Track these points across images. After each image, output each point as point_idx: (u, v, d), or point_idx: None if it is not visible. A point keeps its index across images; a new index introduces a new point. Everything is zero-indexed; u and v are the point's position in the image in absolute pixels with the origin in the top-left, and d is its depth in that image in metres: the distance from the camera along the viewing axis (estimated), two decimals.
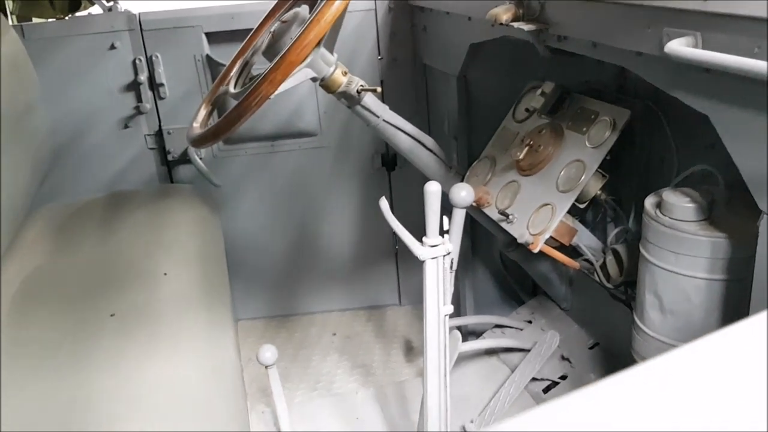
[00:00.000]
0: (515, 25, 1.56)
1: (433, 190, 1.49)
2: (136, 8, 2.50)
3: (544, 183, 1.68)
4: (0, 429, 1.22)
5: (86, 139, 2.56)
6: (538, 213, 1.65)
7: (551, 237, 1.63)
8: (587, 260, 1.72)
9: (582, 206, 1.65)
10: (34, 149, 2.20)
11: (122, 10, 2.49)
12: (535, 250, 1.62)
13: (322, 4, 1.46)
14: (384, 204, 1.64)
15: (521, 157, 1.74)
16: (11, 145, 2.00)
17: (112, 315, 1.59)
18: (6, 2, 2.49)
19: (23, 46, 2.27)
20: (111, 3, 2.49)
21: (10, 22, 2.43)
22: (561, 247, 1.69)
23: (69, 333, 1.57)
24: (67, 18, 2.52)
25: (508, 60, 2.05)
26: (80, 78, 2.47)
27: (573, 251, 1.76)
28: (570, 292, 2.17)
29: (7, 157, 1.95)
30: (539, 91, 1.79)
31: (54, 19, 2.50)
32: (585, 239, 1.72)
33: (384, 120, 1.88)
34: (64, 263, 1.96)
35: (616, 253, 1.64)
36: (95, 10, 2.53)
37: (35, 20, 2.51)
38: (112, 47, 2.45)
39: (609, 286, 1.67)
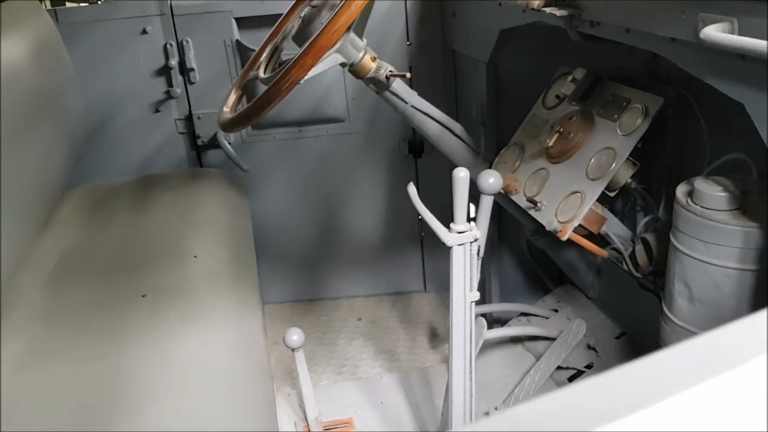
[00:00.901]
0: (547, 10, 1.55)
1: (461, 176, 1.49)
2: None
3: (574, 170, 1.67)
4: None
5: (118, 122, 2.60)
6: (567, 200, 1.64)
7: (580, 225, 1.62)
8: (616, 249, 1.71)
9: (612, 194, 1.63)
10: (69, 131, 2.24)
11: None
12: (564, 238, 1.61)
13: None
14: (412, 189, 1.64)
15: (551, 144, 1.73)
16: (46, 126, 2.04)
17: (143, 296, 1.62)
18: None
19: (57, 30, 2.30)
20: None
21: (45, 6, 2.46)
22: (589, 236, 1.68)
23: (102, 311, 1.61)
24: (99, 2, 2.54)
25: (538, 46, 2.04)
26: (112, 62, 2.51)
27: (601, 240, 1.75)
28: (597, 281, 2.16)
29: (42, 138, 1.99)
30: (570, 77, 1.78)
31: (87, 4, 2.53)
32: (614, 228, 1.70)
33: (412, 106, 1.88)
34: (97, 242, 2.01)
35: (645, 242, 1.62)
36: None
37: (69, 4, 2.55)
38: (144, 32, 2.47)
39: (638, 275, 1.66)
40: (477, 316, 2.09)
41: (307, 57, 1.46)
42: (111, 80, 2.53)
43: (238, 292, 1.78)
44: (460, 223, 1.53)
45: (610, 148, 1.60)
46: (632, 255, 1.66)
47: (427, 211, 1.58)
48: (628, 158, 1.58)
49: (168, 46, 2.50)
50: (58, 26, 2.35)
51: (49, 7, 2.50)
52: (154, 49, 2.51)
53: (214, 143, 2.64)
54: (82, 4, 2.53)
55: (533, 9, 1.57)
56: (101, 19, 2.47)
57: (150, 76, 2.54)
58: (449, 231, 1.54)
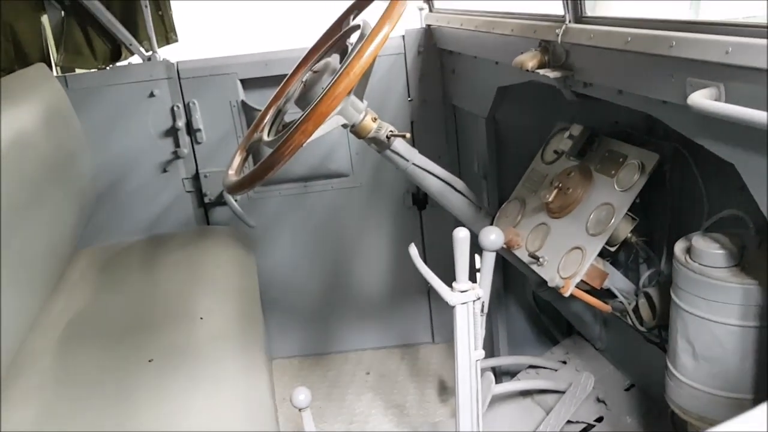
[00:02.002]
0: (541, 72, 1.59)
1: (461, 236, 1.51)
2: (174, 57, 2.60)
3: (574, 226, 1.68)
4: None
5: (127, 183, 2.65)
6: (569, 256, 1.65)
7: (582, 280, 1.62)
8: (620, 302, 1.71)
9: (612, 249, 1.64)
10: (79, 193, 2.29)
11: (161, 59, 2.59)
12: (566, 294, 1.62)
13: (352, 56, 1.51)
14: (413, 250, 1.66)
15: (550, 199, 1.75)
16: (57, 190, 2.09)
17: (150, 360, 1.63)
18: (51, 54, 2.60)
19: (66, 96, 2.37)
20: (150, 53, 2.59)
21: (55, 73, 2.54)
22: (593, 289, 1.69)
23: (110, 376, 1.62)
24: (108, 68, 2.62)
25: (536, 102, 2.07)
26: (121, 125, 2.57)
27: (606, 292, 1.75)
28: (605, 332, 2.15)
29: (53, 202, 2.04)
30: (567, 133, 1.81)
31: (96, 70, 2.60)
32: (617, 282, 1.71)
33: (414, 164, 1.90)
34: (106, 305, 2.03)
35: (648, 296, 1.62)
36: (135, 59, 2.63)
37: (78, 71, 2.62)
38: (152, 95, 2.54)
39: (642, 329, 1.65)
40: (485, 370, 2.09)
41: (308, 123, 1.50)
42: (120, 142, 2.59)
43: (245, 352, 1.78)
44: (462, 282, 1.54)
45: (608, 203, 1.61)
46: (636, 309, 1.66)
47: (429, 271, 1.60)
48: (627, 213, 1.59)
49: (175, 108, 2.56)
50: (68, 92, 2.42)
51: (59, 73, 2.57)
52: (162, 111, 2.57)
53: (221, 201, 2.68)
54: (91, 70, 2.60)
55: (528, 70, 1.61)
56: (110, 84, 2.53)
57: (158, 137, 2.60)
58: (452, 290, 1.54)
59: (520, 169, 2.07)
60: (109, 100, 2.55)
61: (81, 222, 2.28)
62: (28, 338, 1.77)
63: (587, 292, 1.68)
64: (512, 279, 2.44)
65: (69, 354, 1.74)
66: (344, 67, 1.50)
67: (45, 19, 2.55)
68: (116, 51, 2.64)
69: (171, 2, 2.66)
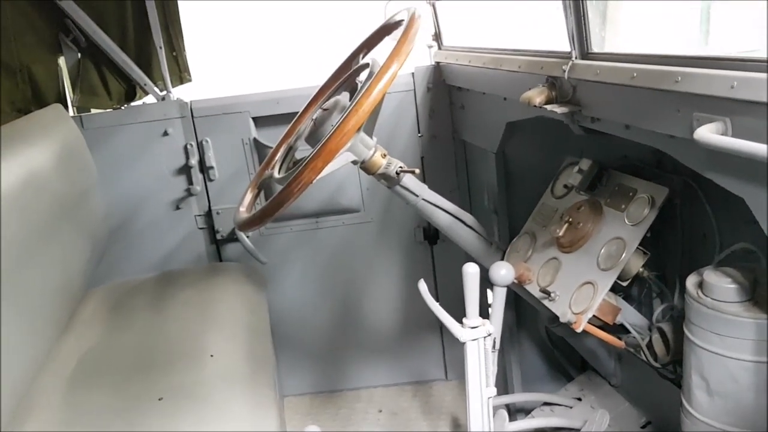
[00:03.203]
0: (548, 107, 1.60)
1: (471, 271, 1.51)
2: (187, 96, 2.64)
3: (585, 260, 1.67)
4: None
5: (140, 220, 2.67)
6: (580, 291, 1.64)
7: (594, 315, 1.61)
8: (634, 338, 1.69)
9: (624, 284, 1.63)
10: (91, 232, 2.31)
11: (175, 98, 2.63)
12: (578, 330, 1.60)
13: (361, 93, 1.52)
14: (422, 286, 1.65)
15: (561, 233, 1.75)
16: (69, 229, 2.10)
17: (160, 399, 1.63)
18: (67, 94, 2.66)
19: (82, 136, 2.41)
20: (164, 92, 2.64)
21: (71, 113, 2.59)
22: (606, 325, 1.67)
23: (119, 416, 1.62)
24: (123, 108, 2.66)
25: (545, 136, 2.08)
26: (135, 163, 2.60)
27: (619, 327, 1.73)
28: (620, 368, 2.12)
29: (65, 240, 2.05)
30: (576, 167, 1.81)
31: (111, 109, 2.65)
32: (630, 317, 1.69)
33: (423, 199, 1.90)
34: (117, 343, 2.03)
35: (661, 331, 1.61)
36: (150, 99, 2.68)
37: (94, 111, 2.67)
38: (165, 134, 2.58)
39: (656, 365, 1.63)
40: (498, 407, 2.06)
41: (318, 160, 1.51)
42: (133, 180, 2.62)
43: (255, 390, 1.77)
44: (472, 318, 1.53)
45: (619, 238, 1.61)
46: (650, 344, 1.64)
47: (439, 307, 1.59)
48: (638, 247, 1.58)
49: (188, 146, 2.59)
50: (84, 132, 2.46)
51: (75, 114, 2.61)
52: (175, 150, 2.60)
53: (233, 237, 2.70)
54: (106, 110, 2.64)
55: (535, 106, 1.63)
56: (125, 123, 2.58)
57: (171, 175, 2.63)
58: (462, 326, 1.53)
59: (530, 203, 2.07)
60: (123, 139, 2.59)
61: (93, 260, 2.29)
62: (39, 377, 1.77)
63: (600, 327, 1.66)
64: (525, 314, 2.42)
65: (79, 393, 1.74)
66: (353, 104, 1.52)
67: (62, 60, 2.60)
68: (131, 91, 2.69)
69: (184, 43, 2.71)
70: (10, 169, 1.83)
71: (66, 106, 2.59)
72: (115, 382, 1.76)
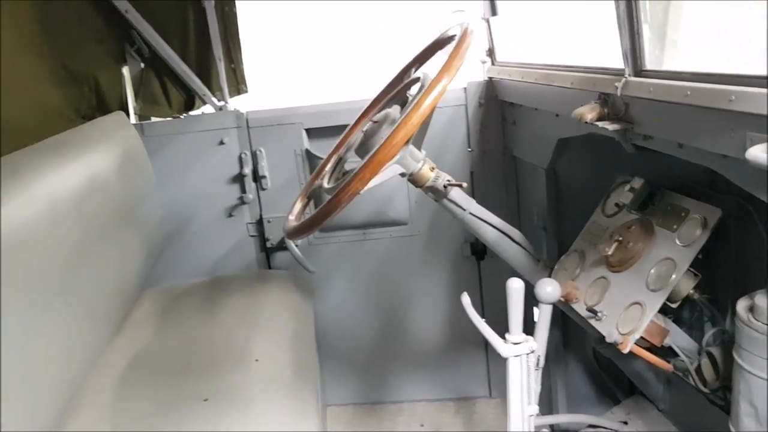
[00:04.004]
0: (600, 124, 1.59)
1: (515, 287, 1.50)
2: (243, 107, 2.71)
3: (634, 280, 1.64)
4: None
5: (194, 226, 2.75)
6: (628, 311, 1.61)
7: (642, 337, 1.58)
8: (682, 361, 1.64)
9: (674, 306, 1.59)
10: (147, 236, 2.38)
11: (232, 109, 2.71)
12: (625, 351, 1.57)
13: (411, 107, 1.54)
14: (466, 299, 1.65)
15: (610, 252, 1.72)
16: (126, 232, 2.18)
17: (205, 400, 1.67)
18: (130, 102, 2.76)
19: (142, 142, 2.50)
20: (222, 103, 2.72)
21: (132, 121, 2.68)
22: (654, 347, 1.63)
23: (166, 414, 1.66)
24: (182, 116, 2.75)
25: (597, 153, 2.06)
26: (191, 170, 2.68)
27: (668, 350, 1.69)
28: (668, 393, 2.06)
29: (122, 243, 2.13)
30: (628, 186, 1.78)
31: (171, 118, 2.74)
32: (678, 340, 1.65)
33: (470, 213, 1.90)
34: (167, 344, 2.09)
35: (711, 355, 1.56)
36: (207, 109, 2.76)
37: (154, 119, 2.76)
38: (221, 143, 2.65)
39: (705, 390, 1.58)
40: (542, 428, 2.03)
41: (366, 171, 1.53)
42: (189, 187, 2.69)
43: (298, 397, 1.80)
44: (515, 333, 1.52)
45: (670, 258, 1.57)
46: (698, 369, 1.60)
47: (482, 321, 1.58)
48: (689, 269, 1.55)
49: (243, 156, 2.66)
50: (144, 139, 2.55)
51: (136, 121, 2.71)
52: (230, 158, 2.67)
53: (282, 246, 2.74)
54: (166, 119, 2.74)
55: (587, 122, 1.61)
56: (183, 132, 2.66)
57: (225, 183, 2.70)
58: (505, 341, 1.52)
59: (580, 221, 2.05)
60: (181, 147, 2.67)
61: (148, 263, 2.37)
62: (92, 374, 1.83)
63: (647, 349, 1.62)
64: (572, 334, 2.38)
65: (128, 390, 1.79)
66: (402, 117, 1.54)
67: (126, 70, 2.71)
68: (190, 101, 2.78)
69: (242, 55, 2.79)
70: (73, 172, 1.91)
71: (128, 114, 2.68)
72: (163, 382, 1.81)
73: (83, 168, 2.00)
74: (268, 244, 2.76)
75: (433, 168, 1.82)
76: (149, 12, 2.58)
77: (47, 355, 1.53)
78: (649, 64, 1.54)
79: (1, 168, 1.62)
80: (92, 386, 1.81)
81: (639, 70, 1.52)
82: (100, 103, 2.54)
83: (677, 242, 1.58)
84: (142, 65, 2.71)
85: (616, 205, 1.87)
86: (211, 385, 1.75)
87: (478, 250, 2.75)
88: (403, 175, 1.80)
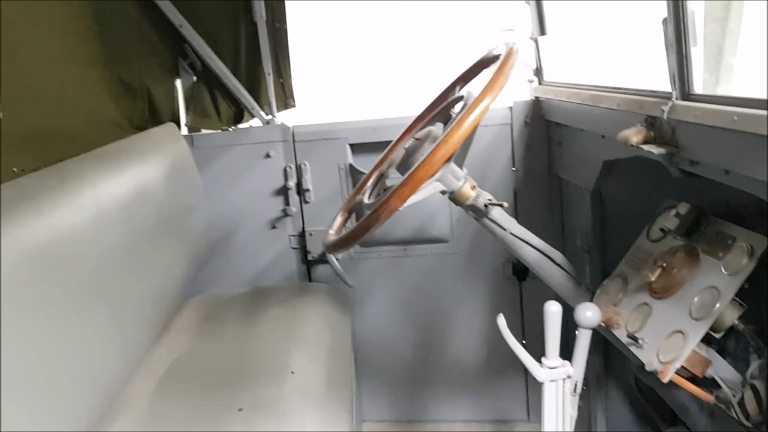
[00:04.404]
0: (645, 147, 1.56)
1: (553, 310, 1.48)
2: (290, 121, 2.76)
3: (677, 308, 1.60)
4: None
5: (238, 236, 2.80)
6: (670, 339, 1.57)
7: (683, 366, 1.53)
8: (725, 393, 1.59)
9: (718, 335, 1.54)
10: (192, 245, 2.43)
11: (279, 123, 2.76)
12: (665, 380, 1.53)
13: (452, 125, 1.54)
14: (501, 321, 1.63)
15: (653, 279, 1.68)
16: (172, 240, 2.23)
17: (240, 410, 1.68)
18: (181, 114, 2.84)
19: (191, 154, 2.56)
20: (270, 117, 2.77)
21: (183, 133, 2.75)
22: (695, 377, 1.58)
23: (201, 422, 1.69)
24: (230, 129, 2.81)
25: (643, 177, 2.02)
26: (237, 182, 2.73)
27: (710, 381, 1.64)
28: (711, 425, 1.99)
29: (167, 251, 2.18)
30: (674, 211, 1.74)
31: (220, 131, 2.80)
32: (721, 371, 1.59)
33: (511, 233, 1.89)
34: (205, 353, 2.12)
35: (754, 388, 1.50)
36: (255, 122, 2.82)
37: (204, 131, 2.83)
38: (267, 156, 2.70)
39: (748, 424, 1.52)
40: None
41: (405, 188, 1.53)
42: (235, 198, 2.75)
43: (333, 411, 1.80)
44: (552, 357, 1.50)
45: (714, 287, 1.52)
46: (742, 401, 1.54)
47: (517, 343, 1.56)
48: (734, 298, 1.50)
49: (288, 169, 2.70)
50: (193, 150, 2.61)
51: (186, 133, 2.78)
52: (275, 171, 2.71)
53: (323, 259, 2.77)
54: (215, 131, 2.80)
55: (632, 145, 1.59)
56: (231, 144, 2.72)
57: (270, 195, 2.74)
58: (541, 365, 1.50)
59: (624, 245, 2.01)
60: (229, 159, 2.73)
61: (192, 271, 2.41)
62: (131, 380, 1.88)
63: (689, 379, 1.57)
64: (614, 360, 2.33)
65: (166, 397, 1.83)
66: (444, 135, 1.54)
67: (178, 82, 2.79)
68: (239, 114, 2.84)
69: (291, 70, 2.84)
70: (123, 180, 1.97)
71: (179, 126, 2.76)
72: (200, 389, 1.84)
73: (133, 177, 2.06)
74: (310, 257, 2.78)
75: (474, 186, 1.81)
76: (203, 27, 2.66)
77: (89, 358, 1.58)
78: (702, 87, 1.51)
79: (54, 175, 1.68)
80: (131, 390, 1.85)
81: (686, 94, 1.49)
82: (153, 114, 2.61)
83: (723, 270, 1.53)
84: (195, 79, 2.78)
85: (662, 230, 1.83)
86: (247, 396, 1.77)
87: (520, 270, 2.72)
88: (443, 192, 1.80)
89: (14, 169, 1.65)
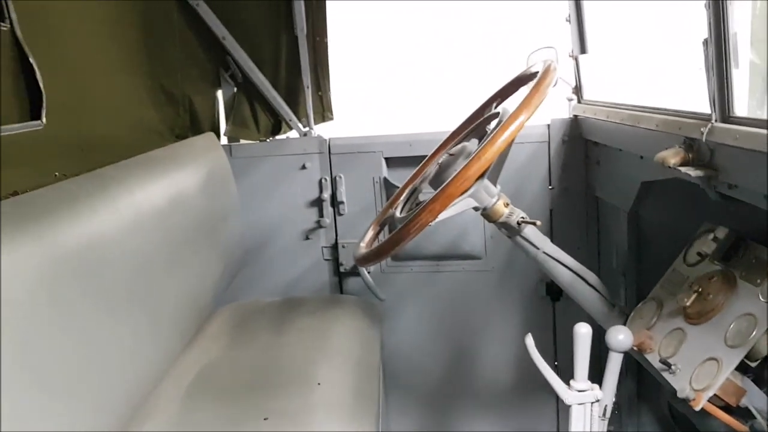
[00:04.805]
0: (683, 169, 1.54)
1: (582, 332, 1.46)
2: (327, 133, 2.78)
3: (712, 334, 1.56)
4: None
5: (272, 246, 2.82)
6: (703, 366, 1.53)
7: (716, 395, 1.49)
8: (759, 424, 1.54)
9: (753, 364, 1.50)
10: (227, 253, 2.46)
11: (315, 135, 2.79)
12: (697, 408, 1.49)
13: (486, 141, 1.54)
14: (529, 341, 1.61)
15: (689, 304, 1.64)
16: (207, 248, 2.26)
17: (265, 419, 1.70)
18: (221, 124, 2.89)
19: (229, 163, 2.60)
20: (307, 129, 2.80)
21: (222, 142, 2.80)
22: (729, 407, 1.54)
23: (227, 427, 1.71)
24: (268, 140, 2.85)
25: (682, 199, 1.98)
26: (273, 192, 2.76)
27: (745, 411, 1.59)
28: None
29: (202, 258, 2.21)
30: (712, 235, 1.70)
31: (258, 141, 2.84)
32: (756, 401, 1.54)
33: (544, 252, 1.87)
34: (235, 360, 2.14)
35: None
36: (293, 134, 2.85)
37: (242, 141, 2.87)
38: (303, 167, 2.73)
39: None
40: None
41: (436, 203, 1.53)
42: (270, 208, 2.78)
43: (357, 423, 1.80)
44: (580, 380, 1.48)
45: (751, 314, 1.48)
46: None
47: (545, 364, 1.54)
48: None
49: (323, 181, 2.72)
50: (231, 160, 2.65)
51: (225, 143, 2.83)
52: (311, 183, 2.74)
53: (355, 271, 2.78)
54: (253, 142, 2.84)
55: (669, 167, 1.56)
56: (268, 155, 2.76)
57: (304, 206, 2.77)
58: (569, 388, 1.48)
59: (661, 268, 1.97)
60: (265, 169, 2.77)
61: (225, 279, 2.44)
62: (161, 383, 1.90)
63: (722, 408, 1.53)
64: (647, 385, 2.28)
65: (194, 402, 1.85)
66: (477, 151, 1.54)
67: (219, 93, 2.84)
68: (277, 125, 2.87)
69: (330, 83, 2.87)
70: (161, 187, 2.01)
71: (218, 135, 2.80)
72: (227, 396, 1.85)
73: (171, 184, 2.10)
74: (342, 269, 2.80)
75: (507, 204, 1.80)
76: (245, 39, 2.70)
77: (122, 360, 1.60)
78: (746, 111, 1.48)
79: (94, 180, 1.72)
80: (161, 394, 1.88)
81: (726, 116, 1.46)
82: (194, 123, 2.66)
83: (760, 297, 1.49)
84: (235, 90, 2.83)
85: (699, 254, 1.79)
86: (273, 405, 1.77)
87: (554, 290, 2.69)
88: (476, 209, 1.79)
89: (55, 173, 1.70)
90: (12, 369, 1.19)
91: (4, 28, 1.56)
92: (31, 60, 1.61)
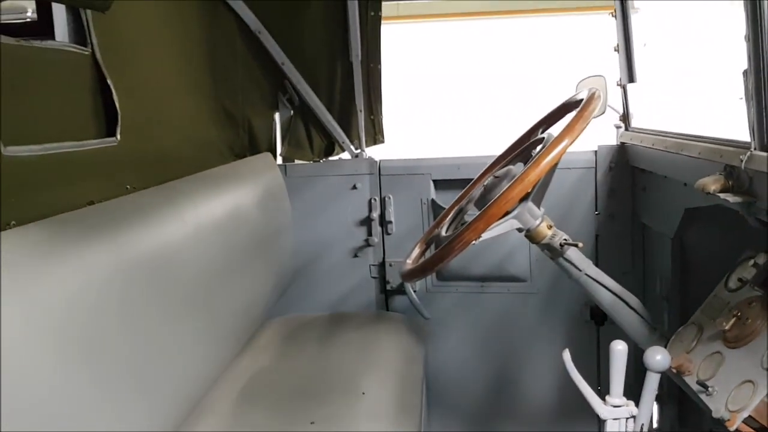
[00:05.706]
0: (722, 196, 1.57)
1: (618, 348, 1.50)
2: (377, 155, 2.89)
3: (749, 358, 1.58)
4: None
5: (322, 262, 2.92)
6: (740, 389, 1.55)
7: (751, 416, 1.51)
8: None
9: None
10: (279, 268, 2.58)
11: (366, 156, 2.90)
12: (732, 428, 1.51)
13: (529, 164, 1.61)
14: (566, 356, 1.66)
15: (728, 327, 1.67)
16: (260, 263, 2.38)
17: (312, 423, 1.78)
18: (277, 145, 3.02)
19: (284, 182, 2.73)
20: (358, 150, 2.91)
21: (278, 162, 2.93)
22: (764, 429, 1.55)
23: (276, 427, 1.80)
24: (322, 161, 2.97)
25: (725, 226, 2.00)
26: (325, 211, 2.87)
27: None
28: None
29: (255, 272, 2.32)
30: (752, 261, 1.73)
31: (312, 162, 2.97)
32: None
33: (586, 274, 1.91)
34: (284, 369, 2.24)
35: None
36: (345, 155, 2.97)
37: (297, 161, 3.00)
38: (354, 187, 2.83)
39: None
40: None
41: (480, 222, 1.61)
42: (321, 226, 2.88)
43: (401, 429, 1.87)
44: (615, 396, 1.52)
45: None
46: None
47: (582, 380, 1.59)
48: None
49: (372, 201, 2.82)
50: (286, 179, 2.78)
51: (281, 163, 2.96)
52: (361, 203, 2.84)
53: (401, 290, 2.85)
54: (307, 162, 2.97)
55: (709, 193, 1.60)
56: (321, 175, 2.88)
57: (354, 225, 2.87)
58: (605, 403, 1.52)
59: (704, 293, 1.99)
60: (318, 188, 2.88)
61: (276, 292, 2.55)
62: (212, 389, 2.00)
63: (757, 430, 1.55)
64: (689, 409, 2.28)
65: (244, 407, 1.95)
66: (520, 174, 1.61)
67: (277, 115, 2.98)
68: (330, 147, 2.99)
69: (382, 107, 2.98)
70: (221, 203, 2.14)
71: (275, 155, 2.94)
72: (276, 402, 1.95)
73: (230, 200, 2.22)
74: (388, 287, 2.87)
75: (550, 226, 1.85)
76: (302, 65, 2.84)
77: (179, 363, 1.71)
78: None
79: (162, 193, 1.85)
80: (214, 397, 1.98)
81: (765, 145, 1.50)
82: (252, 143, 2.80)
83: None
84: (291, 112, 2.96)
85: (740, 280, 1.81)
86: (319, 411, 1.86)
87: (599, 315, 2.70)
88: (520, 230, 1.85)
89: (127, 186, 1.83)
90: (79, 365, 1.28)
91: (86, 53, 1.70)
92: (109, 81, 1.74)
